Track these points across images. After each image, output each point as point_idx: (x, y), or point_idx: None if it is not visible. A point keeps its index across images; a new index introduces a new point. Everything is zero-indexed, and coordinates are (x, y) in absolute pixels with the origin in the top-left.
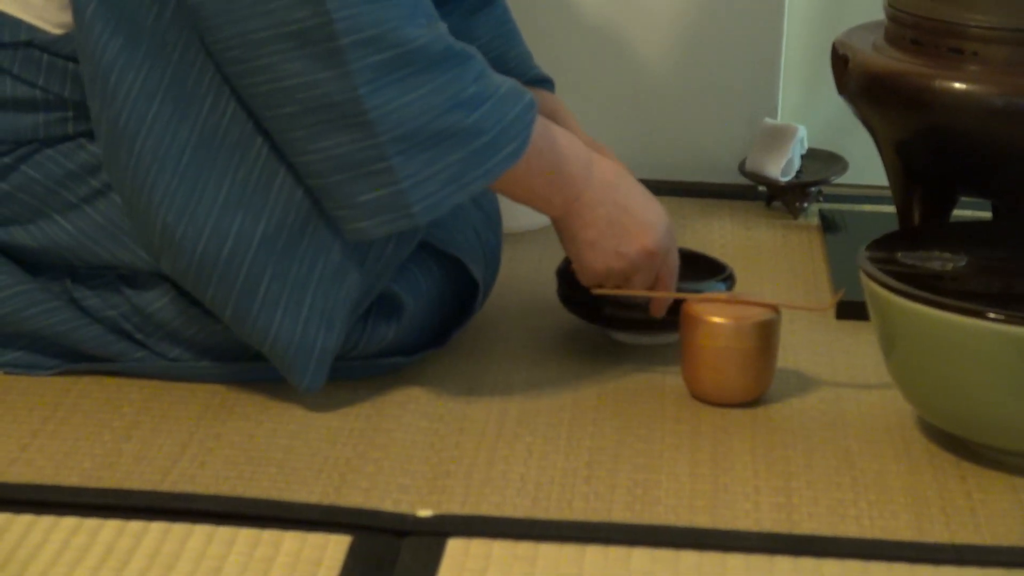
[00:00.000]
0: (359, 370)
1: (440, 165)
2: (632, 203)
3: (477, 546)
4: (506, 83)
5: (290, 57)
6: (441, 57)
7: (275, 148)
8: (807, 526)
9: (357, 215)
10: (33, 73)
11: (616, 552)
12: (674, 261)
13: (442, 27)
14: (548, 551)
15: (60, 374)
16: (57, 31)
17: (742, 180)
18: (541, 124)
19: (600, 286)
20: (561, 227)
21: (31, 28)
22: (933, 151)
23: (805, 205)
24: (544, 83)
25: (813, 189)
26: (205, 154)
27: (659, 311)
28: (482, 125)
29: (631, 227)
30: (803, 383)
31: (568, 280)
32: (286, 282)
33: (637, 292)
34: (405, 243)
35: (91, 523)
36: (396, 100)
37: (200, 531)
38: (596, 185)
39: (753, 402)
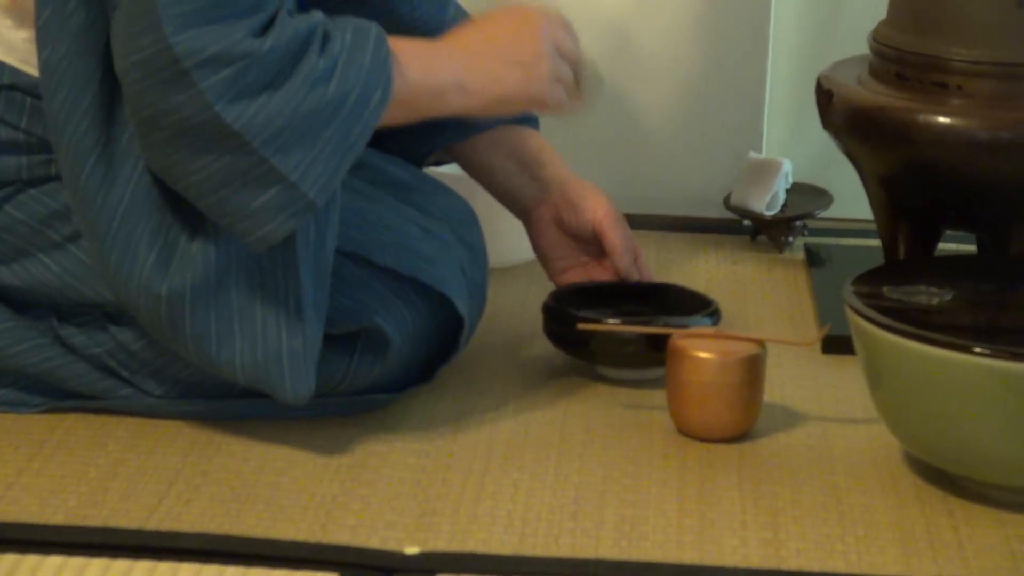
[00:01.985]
0: (345, 407)
1: (319, 145)
2: (496, 21)
3: None
4: (348, 29)
5: (144, 86)
6: (285, 50)
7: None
8: (795, 561)
9: (257, 222)
10: (16, 116)
11: None
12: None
13: (281, 27)
14: None
15: (46, 412)
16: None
17: (727, 214)
18: (400, 53)
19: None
20: (485, 113)
21: (14, 71)
22: (918, 185)
23: (790, 239)
24: (529, 121)
25: (798, 223)
26: (136, 215)
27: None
28: (343, 88)
29: (514, 40)
30: (789, 418)
31: (555, 315)
32: (232, 315)
33: (624, 328)
34: (326, 222)
35: (76, 562)
36: (254, 105)
37: (186, 569)
38: (465, 61)
39: (740, 437)
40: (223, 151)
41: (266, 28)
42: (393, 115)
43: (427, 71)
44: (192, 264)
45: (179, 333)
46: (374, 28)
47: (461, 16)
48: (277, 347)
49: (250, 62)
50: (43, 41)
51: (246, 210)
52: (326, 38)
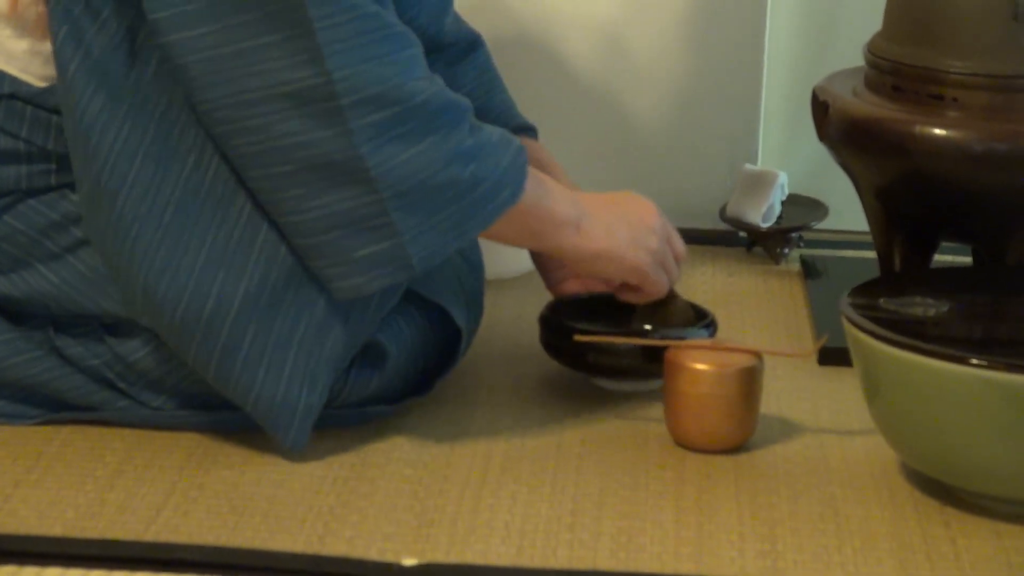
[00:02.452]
0: (343, 419)
1: (439, 217)
2: (612, 197)
3: None
4: (496, 131)
5: (285, 117)
6: (440, 111)
7: (257, 205)
8: (792, 573)
9: (353, 271)
10: (16, 125)
11: None
12: (678, 237)
13: (438, 80)
14: None
15: (43, 423)
16: (41, 83)
17: (723, 226)
18: (531, 171)
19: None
20: (587, 261)
21: (14, 80)
22: (914, 197)
23: (786, 251)
24: (527, 131)
25: (794, 235)
26: (187, 212)
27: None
28: (478, 175)
29: (629, 209)
30: (787, 429)
31: (551, 327)
32: (268, 341)
33: (620, 339)
34: (389, 297)
35: (74, 573)
36: (397, 156)
37: None
38: (587, 207)
39: (737, 449)
40: (348, 194)
41: (423, 78)
42: (508, 224)
43: (552, 198)
44: (252, 272)
45: (212, 338)
46: (517, 141)
47: (459, 25)
48: (295, 400)
49: (404, 109)
50: (69, 50)
51: (348, 257)
52: (476, 124)
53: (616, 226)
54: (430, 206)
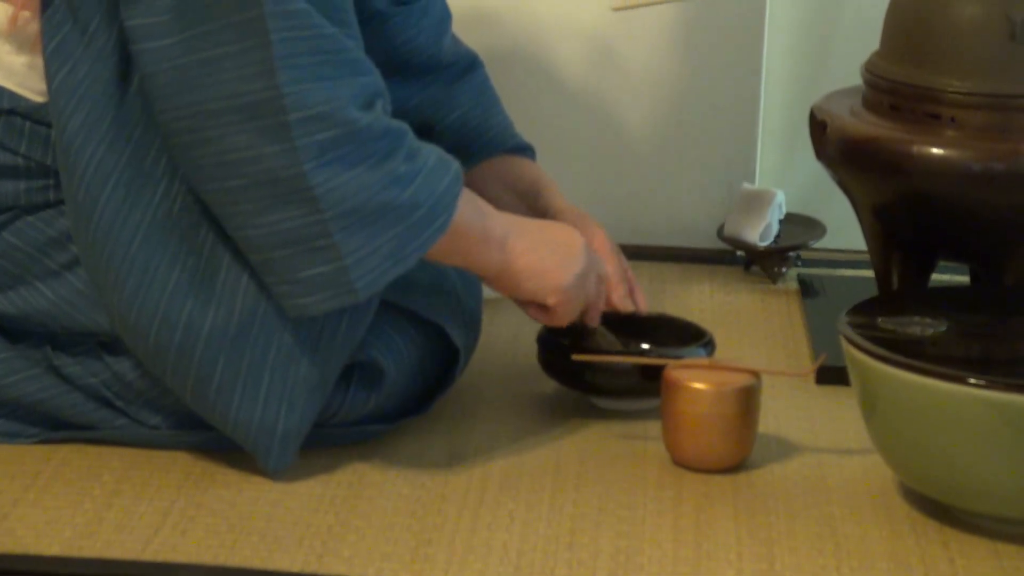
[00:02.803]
0: (340, 437)
1: (379, 241)
2: (542, 222)
3: None
4: (433, 154)
5: (238, 130)
6: (379, 135)
7: (221, 235)
8: None
9: (299, 291)
10: (15, 140)
11: None
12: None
13: (380, 105)
14: None
15: (40, 442)
16: (39, 99)
17: (720, 245)
18: (464, 192)
19: (573, 319)
20: (509, 278)
21: (13, 96)
22: (911, 216)
23: (784, 270)
24: (525, 151)
25: (791, 254)
26: (156, 240)
27: (593, 320)
28: (416, 199)
29: (558, 236)
30: (784, 448)
31: (549, 346)
32: (240, 369)
33: (618, 358)
34: (359, 322)
35: None
36: (338, 177)
37: None
38: (514, 226)
39: (735, 468)
40: (293, 214)
41: (367, 106)
42: (441, 247)
43: (481, 216)
44: (218, 302)
45: (184, 367)
46: (455, 164)
47: (457, 46)
48: (272, 424)
49: (348, 132)
50: (56, 64)
51: (294, 276)
52: (414, 150)
53: (540, 247)
54: (371, 229)
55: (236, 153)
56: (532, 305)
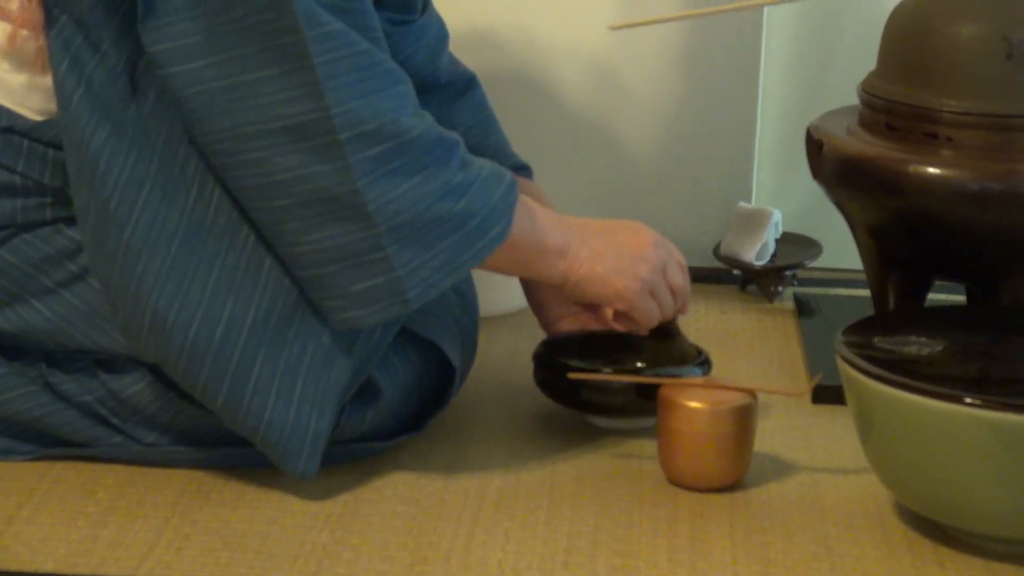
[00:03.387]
0: (336, 455)
1: (434, 251)
2: (608, 224)
3: None
4: (486, 166)
5: (284, 151)
6: (432, 146)
7: (262, 235)
8: None
9: (350, 304)
10: (13, 159)
11: None
12: (680, 260)
13: (428, 116)
14: None
15: (35, 459)
16: (38, 117)
17: (717, 264)
18: (521, 201)
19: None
20: (574, 286)
21: (11, 114)
22: (908, 235)
23: (780, 289)
24: (522, 170)
25: (788, 273)
26: (194, 241)
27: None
28: (470, 210)
29: (624, 238)
30: (780, 468)
31: (545, 364)
32: (277, 367)
33: (614, 377)
34: (391, 327)
35: None
36: (393, 191)
37: None
38: (576, 233)
39: (730, 487)
40: (345, 229)
41: (417, 114)
42: (499, 258)
43: (541, 228)
44: (260, 298)
45: (222, 365)
46: (509, 175)
47: (455, 65)
48: (305, 427)
49: (401, 143)
50: (72, 83)
51: (345, 291)
52: (467, 159)
53: (603, 252)
54: (424, 241)
55: (283, 174)
56: (615, 316)
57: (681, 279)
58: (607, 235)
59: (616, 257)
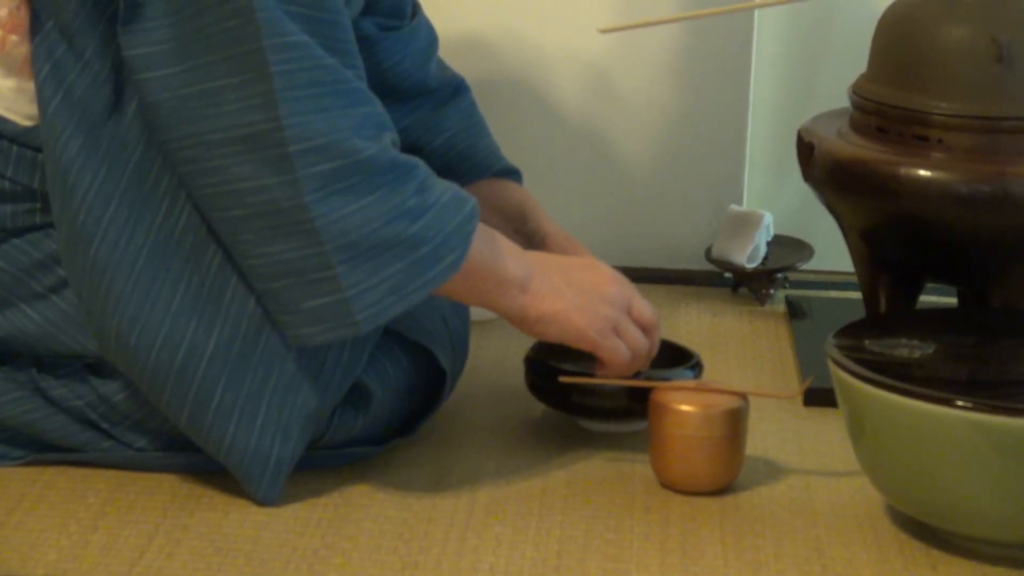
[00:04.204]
0: (327, 460)
1: (383, 275)
2: (566, 261)
3: None
4: (448, 191)
5: (240, 160)
6: (386, 168)
7: (228, 257)
8: None
9: (300, 321)
10: (2, 163)
11: None
12: (645, 307)
13: (387, 138)
14: None
15: (26, 464)
16: (27, 123)
17: (708, 267)
18: (482, 231)
19: (614, 368)
20: (534, 322)
21: (1, 119)
22: (899, 238)
23: (771, 292)
24: (512, 174)
25: (779, 276)
26: (159, 261)
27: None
28: (423, 235)
29: (582, 276)
30: (772, 471)
31: (536, 368)
32: (239, 393)
33: (606, 381)
34: (360, 352)
35: None
36: (341, 209)
37: None
38: (537, 268)
39: (722, 490)
40: (294, 245)
41: (374, 137)
42: (455, 286)
43: (501, 259)
44: (223, 323)
45: (183, 389)
46: (472, 201)
47: (444, 70)
48: (267, 453)
49: (351, 163)
50: (50, 89)
51: (295, 307)
52: (426, 185)
53: (564, 290)
54: (373, 263)
55: (238, 183)
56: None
57: (650, 313)
58: (567, 272)
59: (578, 295)
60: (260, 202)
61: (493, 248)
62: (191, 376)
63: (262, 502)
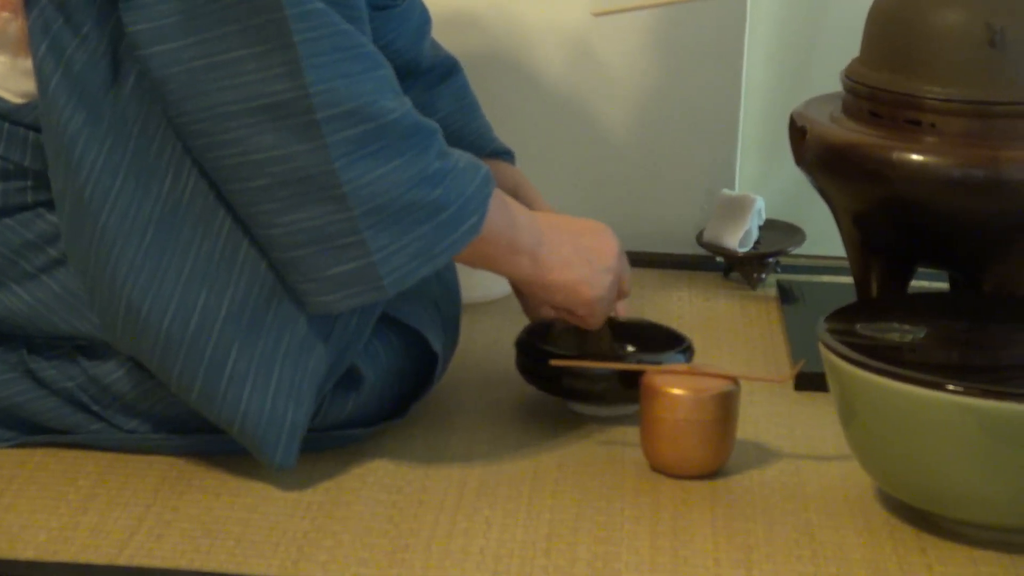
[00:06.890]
0: (318, 442)
1: (408, 238)
2: (576, 225)
3: None
4: (463, 158)
5: (261, 130)
6: (410, 131)
7: (238, 222)
8: None
9: (325, 288)
10: None
11: None
12: (628, 277)
13: (408, 101)
14: None
15: (16, 446)
16: (18, 100)
17: (700, 251)
18: (497, 195)
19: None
20: (541, 288)
21: None
22: (891, 222)
23: (763, 276)
24: (504, 155)
25: (771, 260)
26: (168, 229)
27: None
28: (445, 199)
29: (590, 242)
30: (763, 455)
31: (527, 351)
32: (253, 357)
33: (596, 364)
34: (368, 315)
35: None
36: (369, 174)
37: None
38: (547, 235)
39: (713, 474)
40: (320, 211)
41: (397, 97)
42: (471, 251)
43: (514, 225)
44: (235, 287)
45: (196, 356)
46: (485, 167)
47: (437, 50)
48: (282, 417)
49: (378, 127)
50: (49, 66)
51: (319, 274)
52: (444, 149)
53: (573, 259)
54: (399, 227)
55: (259, 154)
56: (562, 310)
57: (628, 286)
58: (576, 239)
59: (585, 265)
60: (284, 170)
61: (506, 213)
62: (204, 342)
63: (280, 466)
